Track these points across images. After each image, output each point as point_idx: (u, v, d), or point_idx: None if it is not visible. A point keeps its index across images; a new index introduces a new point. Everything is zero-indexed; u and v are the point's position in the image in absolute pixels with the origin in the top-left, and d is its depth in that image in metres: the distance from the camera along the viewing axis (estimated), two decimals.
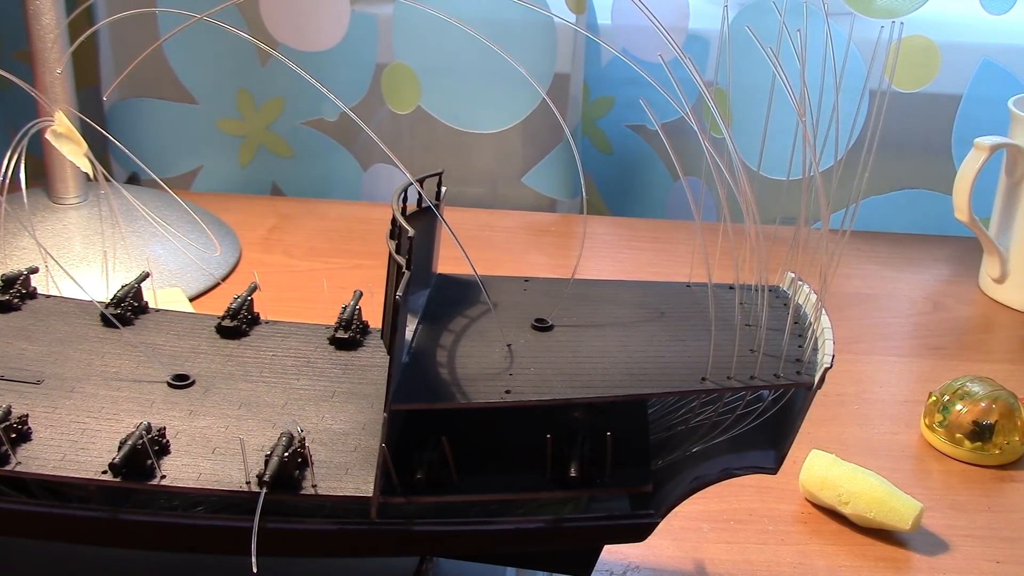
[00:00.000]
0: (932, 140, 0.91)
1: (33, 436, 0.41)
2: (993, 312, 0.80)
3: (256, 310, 0.50)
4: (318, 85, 0.41)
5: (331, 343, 0.49)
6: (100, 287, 0.54)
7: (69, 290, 0.51)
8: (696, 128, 0.39)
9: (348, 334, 0.49)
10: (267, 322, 0.50)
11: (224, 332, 0.49)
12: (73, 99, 0.78)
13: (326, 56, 0.92)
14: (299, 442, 0.40)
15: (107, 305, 0.50)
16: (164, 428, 0.41)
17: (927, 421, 0.64)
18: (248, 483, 0.39)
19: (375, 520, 0.40)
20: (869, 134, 0.43)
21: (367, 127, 0.40)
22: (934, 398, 0.64)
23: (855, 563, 0.53)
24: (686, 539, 0.54)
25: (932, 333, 0.77)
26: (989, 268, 0.82)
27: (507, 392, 0.39)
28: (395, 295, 0.37)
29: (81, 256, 0.75)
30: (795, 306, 0.44)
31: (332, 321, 0.50)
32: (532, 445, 0.40)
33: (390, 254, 0.39)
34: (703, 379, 0.40)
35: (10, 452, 0.40)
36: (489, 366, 0.40)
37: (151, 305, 0.51)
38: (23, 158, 0.50)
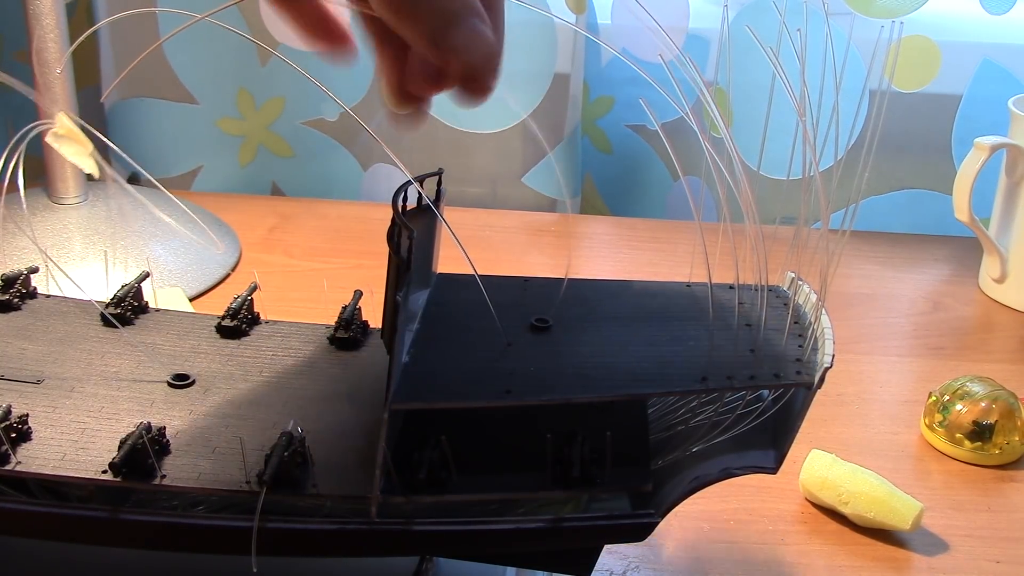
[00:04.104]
0: (932, 140, 0.91)
1: (33, 436, 0.41)
2: (993, 312, 0.80)
3: (256, 310, 0.50)
4: (319, 85, 0.41)
5: (331, 343, 0.49)
6: (100, 287, 0.54)
7: (69, 290, 0.51)
8: (696, 128, 0.39)
9: (348, 334, 0.49)
10: (267, 322, 0.50)
11: (224, 332, 0.49)
12: (73, 99, 0.78)
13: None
14: (299, 442, 0.40)
15: (107, 305, 0.50)
16: (164, 428, 0.41)
17: (927, 421, 0.64)
18: (248, 483, 0.39)
19: (375, 520, 0.40)
20: (869, 134, 0.43)
21: (367, 127, 0.40)
22: (934, 398, 0.64)
23: (855, 563, 0.53)
24: (686, 539, 0.54)
25: (932, 333, 0.77)
26: (989, 268, 0.82)
27: (507, 392, 0.39)
28: (395, 295, 0.37)
29: (81, 256, 0.75)
30: (795, 306, 0.44)
31: (332, 321, 0.50)
32: (532, 445, 0.40)
33: (390, 254, 0.39)
34: (703, 379, 0.40)
35: (10, 452, 0.40)
36: (489, 366, 0.40)
37: (151, 305, 0.51)
38: (22, 159, 0.50)
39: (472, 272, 0.44)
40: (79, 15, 0.93)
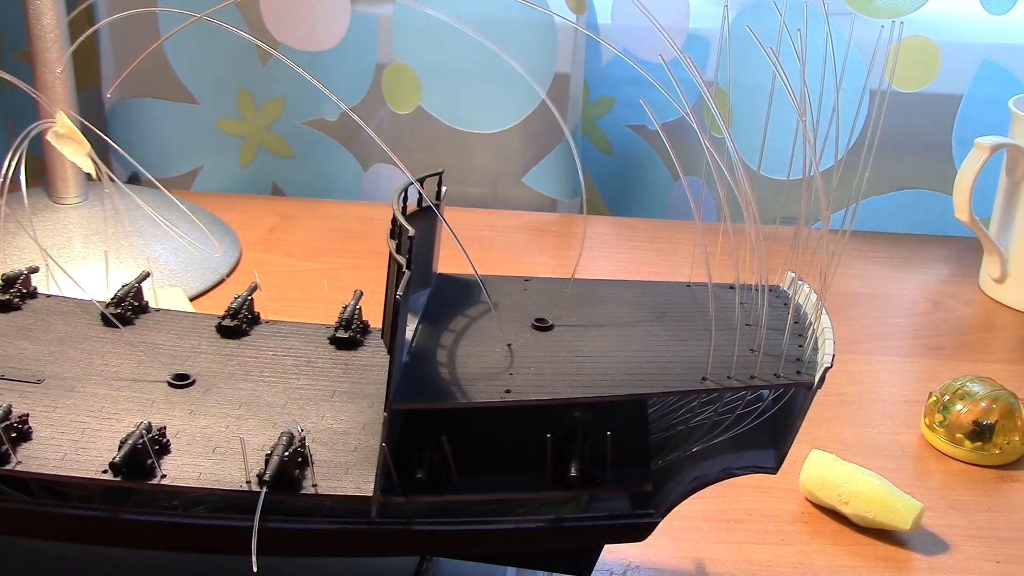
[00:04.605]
0: (932, 140, 0.91)
1: (33, 435, 0.41)
2: (993, 312, 0.80)
3: (256, 310, 0.50)
4: (319, 85, 0.41)
5: (331, 343, 0.49)
6: (100, 286, 0.54)
7: (69, 290, 0.51)
8: (696, 128, 0.39)
9: (348, 334, 0.49)
10: (267, 322, 0.50)
11: (224, 332, 0.49)
12: (74, 99, 0.78)
13: (326, 56, 0.92)
14: (299, 441, 0.40)
15: (107, 305, 0.50)
16: (164, 427, 0.41)
17: (927, 421, 0.64)
18: (248, 482, 0.39)
19: (375, 520, 0.40)
20: (869, 134, 0.43)
21: (367, 127, 0.40)
22: (934, 398, 0.64)
23: (855, 563, 0.53)
24: (686, 539, 0.54)
25: (932, 333, 0.77)
26: (989, 268, 0.82)
27: (507, 392, 0.39)
28: (395, 295, 0.37)
29: (81, 256, 0.75)
30: (795, 306, 0.44)
31: (332, 321, 0.50)
32: (532, 445, 0.40)
33: (390, 254, 0.39)
34: (703, 379, 0.40)
35: (10, 451, 0.40)
36: (489, 366, 0.40)
37: (151, 305, 0.51)
38: (23, 159, 0.50)
39: (472, 272, 0.44)
40: (79, 15, 0.93)
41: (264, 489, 0.39)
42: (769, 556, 0.54)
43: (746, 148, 0.42)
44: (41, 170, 0.78)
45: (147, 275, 0.52)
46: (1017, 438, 0.61)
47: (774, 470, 0.44)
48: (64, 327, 0.49)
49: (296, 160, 0.98)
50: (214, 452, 0.41)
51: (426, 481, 0.39)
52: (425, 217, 0.45)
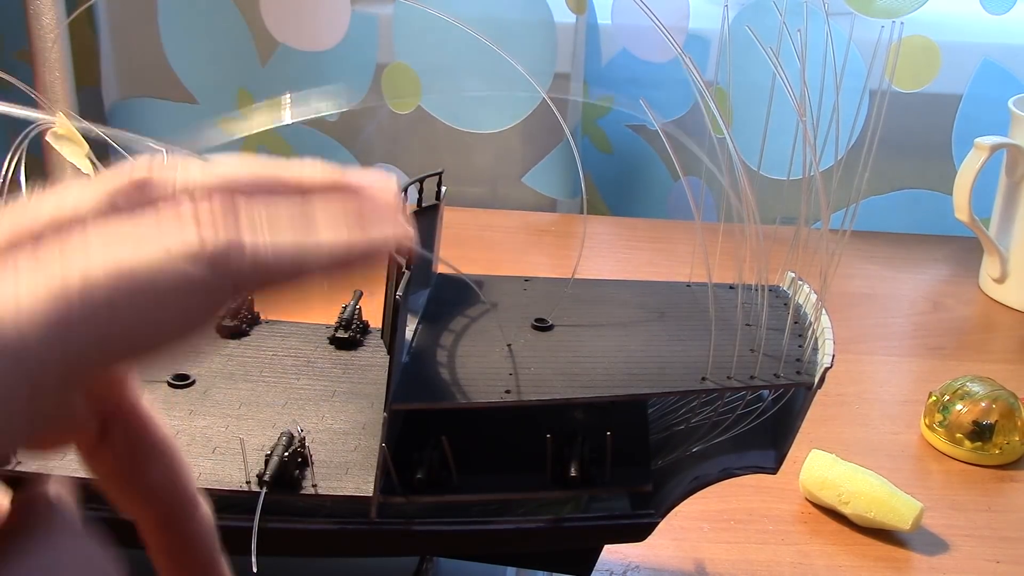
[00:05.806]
0: (932, 140, 0.91)
1: None
2: (993, 312, 0.80)
3: (256, 309, 0.50)
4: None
5: (331, 343, 0.49)
6: None
7: None
8: (692, 133, 0.39)
9: (348, 334, 0.49)
10: (267, 322, 0.50)
11: (225, 332, 0.49)
12: (73, 99, 0.78)
13: (326, 56, 0.92)
14: (299, 442, 0.40)
15: None
16: None
17: (927, 421, 0.64)
18: (248, 483, 0.39)
19: (375, 520, 0.40)
20: (869, 134, 0.43)
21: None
22: (934, 398, 0.64)
23: (855, 563, 0.53)
24: (686, 539, 0.54)
25: (932, 333, 0.77)
26: (989, 268, 0.82)
27: (507, 392, 0.39)
28: (395, 295, 0.37)
29: None
30: (795, 306, 0.44)
31: (332, 321, 0.50)
32: (532, 445, 0.40)
33: (390, 254, 0.39)
34: (703, 379, 0.40)
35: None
36: (489, 366, 0.40)
37: None
38: (23, 159, 0.50)
39: (464, 274, 0.44)
40: (79, 15, 0.93)
41: (264, 489, 0.39)
42: (769, 556, 0.54)
43: (746, 148, 0.42)
44: (41, 170, 0.78)
45: None
46: (1017, 438, 0.61)
47: (774, 470, 0.44)
48: None
49: None
50: (214, 452, 0.41)
51: (426, 481, 0.39)
52: (425, 217, 0.45)
